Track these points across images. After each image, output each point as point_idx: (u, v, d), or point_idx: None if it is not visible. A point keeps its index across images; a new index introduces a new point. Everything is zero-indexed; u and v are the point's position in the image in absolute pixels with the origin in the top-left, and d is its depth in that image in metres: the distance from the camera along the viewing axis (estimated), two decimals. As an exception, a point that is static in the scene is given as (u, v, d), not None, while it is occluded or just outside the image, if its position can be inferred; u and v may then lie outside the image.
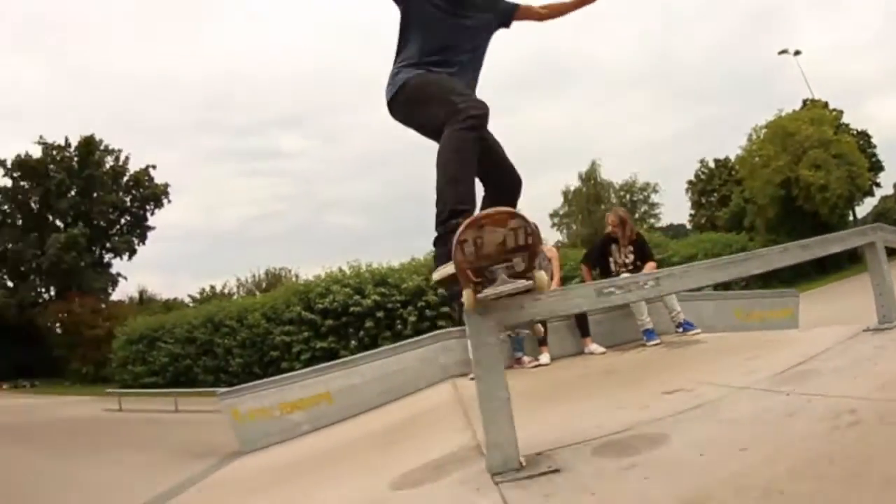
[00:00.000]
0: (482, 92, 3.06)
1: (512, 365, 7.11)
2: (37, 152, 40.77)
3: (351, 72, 76.55)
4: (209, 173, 69.18)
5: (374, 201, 75.83)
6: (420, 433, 4.99)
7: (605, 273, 7.34)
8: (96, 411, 17.01)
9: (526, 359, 7.17)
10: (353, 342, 18.98)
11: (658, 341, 6.64)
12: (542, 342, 7.24)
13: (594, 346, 7.11)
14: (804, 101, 35.60)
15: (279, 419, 7.57)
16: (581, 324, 7.22)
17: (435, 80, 2.84)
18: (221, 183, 70.68)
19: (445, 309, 18.45)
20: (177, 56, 76.32)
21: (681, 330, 6.72)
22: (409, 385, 7.60)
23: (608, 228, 7.69)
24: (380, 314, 19.49)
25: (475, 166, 2.67)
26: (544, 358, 7.12)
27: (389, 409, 7.02)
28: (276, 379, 8.34)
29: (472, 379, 6.65)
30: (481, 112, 2.65)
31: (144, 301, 40.50)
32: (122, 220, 42.86)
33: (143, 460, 8.38)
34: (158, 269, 77.51)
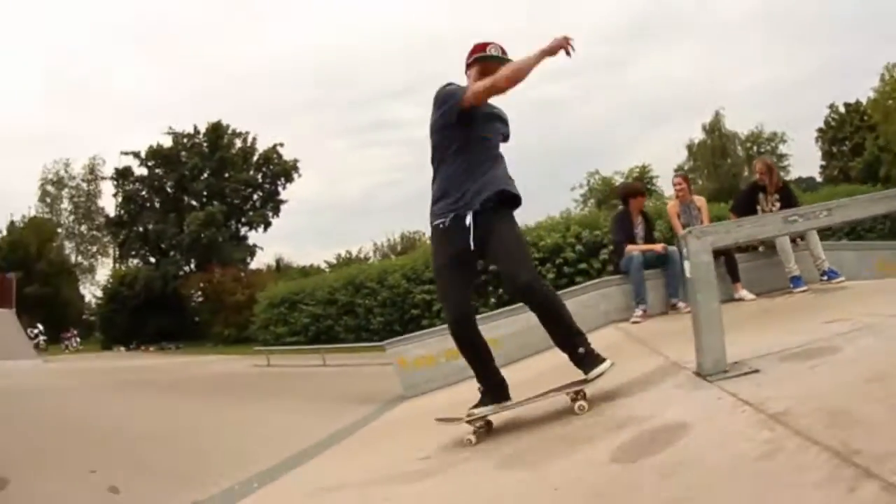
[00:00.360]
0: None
1: (667, 311, 7.42)
2: (167, 142, 44.90)
3: (461, 38, 76.69)
4: (329, 148, 71.27)
5: None
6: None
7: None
8: (246, 367, 17.82)
9: (682, 304, 7.13)
10: (492, 299, 19.29)
11: (805, 288, 6.58)
12: (736, 280, 7.22)
13: (744, 292, 7.05)
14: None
15: (444, 365, 7.87)
16: (731, 269, 7.17)
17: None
18: (341, 156, 72.74)
19: (583, 265, 18.59)
20: (286, 39, 78.72)
21: (825, 278, 6.65)
22: None
23: (755, 177, 7.71)
24: (517, 272, 19.78)
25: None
26: (744, 293, 7.10)
27: (557, 352, 7.16)
28: (442, 327, 8.76)
29: (634, 322, 7.00)
30: None
31: (281, 269, 42.89)
32: (255, 196, 45.61)
33: (310, 407, 8.66)
34: (290, 240, 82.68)
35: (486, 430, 3.68)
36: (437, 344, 7.91)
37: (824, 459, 1.65)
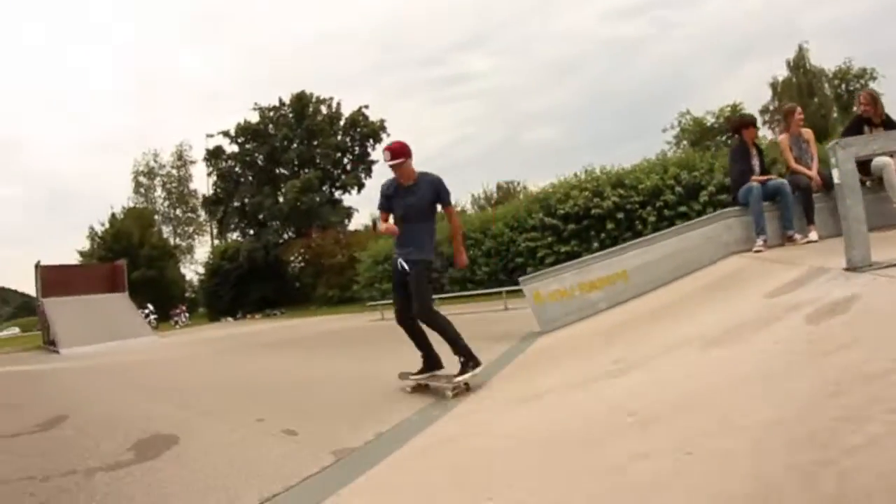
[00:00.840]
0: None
1: (783, 243, 7.65)
2: (254, 118, 46.88)
3: None
4: (402, 108, 71.57)
5: (569, 111, 74.77)
6: (750, 278, 5.61)
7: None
8: (362, 322, 18.59)
9: (798, 236, 7.49)
10: (594, 244, 19.62)
11: None
12: (811, 221, 7.55)
13: (813, 234, 7.40)
14: None
15: (578, 298, 8.41)
16: (808, 209, 7.59)
17: None
18: (417, 113, 73.05)
19: (683, 209, 18.76)
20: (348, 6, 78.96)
21: None
22: (696, 262, 7.94)
23: (860, 109, 7.83)
24: (619, 215, 20.12)
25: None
26: (813, 235, 7.38)
27: (684, 282, 7.49)
28: (576, 262, 9.20)
29: (756, 251, 7.37)
30: None
31: (377, 229, 44.06)
32: (345, 160, 47.17)
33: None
34: (373, 203, 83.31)
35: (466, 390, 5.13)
36: (573, 276, 8.54)
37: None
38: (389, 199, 5.43)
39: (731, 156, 8.88)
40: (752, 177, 7.99)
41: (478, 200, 43.22)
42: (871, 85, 41.94)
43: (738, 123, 8.92)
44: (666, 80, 70.32)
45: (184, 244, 56.90)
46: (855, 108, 7.94)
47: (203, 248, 53.84)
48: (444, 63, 76.67)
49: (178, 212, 57.76)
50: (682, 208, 18.79)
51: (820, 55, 49.84)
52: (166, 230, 56.00)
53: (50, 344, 22.49)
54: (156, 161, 56.73)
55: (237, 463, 3.89)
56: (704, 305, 5.49)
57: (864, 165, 7.01)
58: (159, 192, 57.30)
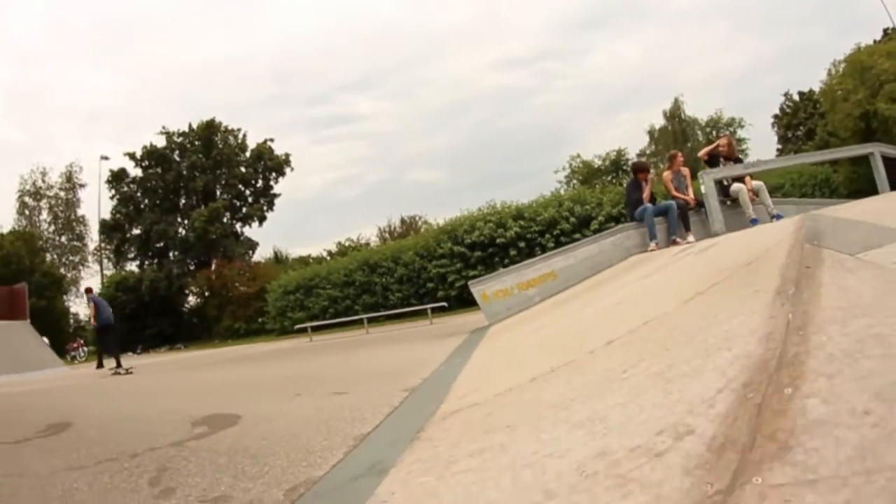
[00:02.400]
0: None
1: (669, 245, 9.69)
2: (160, 141, 46.10)
3: (412, 28, 78.57)
4: (288, 143, 71.93)
5: (453, 155, 77.85)
6: (645, 261, 7.65)
7: (718, 183, 9.94)
8: (294, 344, 18.68)
9: (679, 239, 9.70)
10: (500, 269, 21.98)
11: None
12: (688, 229, 9.91)
13: (691, 237, 9.68)
14: (885, 31, 35.93)
15: (517, 295, 10.37)
16: (684, 220, 9.94)
17: None
18: (302, 150, 73.79)
19: (577, 235, 21.23)
20: (240, 37, 79.44)
21: (774, 220, 8.86)
22: (606, 262, 9.99)
23: (720, 148, 10.49)
24: (521, 244, 22.52)
25: None
26: (690, 238, 9.64)
27: (599, 276, 9.40)
28: (514, 267, 11.29)
29: (650, 251, 9.82)
30: None
31: (281, 260, 44.60)
32: (247, 192, 47.61)
33: (418, 345, 9.64)
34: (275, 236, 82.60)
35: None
36: (512, 278, 10.58)
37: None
38: None
39: (628, 189, 11.41)
40: (646, 202, 10.40)
41: (383, 233, 44.89)
42: (739, 132, 46.89)
43: (636, 167, 11.95)
44: (548, 128, 75.51)
45: (69, 275, 51.54)
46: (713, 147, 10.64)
47: (91, 280, 50.77)
48: (331, 102, 77.98)
49: (64, 238, 52.75)
50: (577, 235, 21.09)
51: (694, 106, 55.59)
52: (49, 258, 52.27)
53: None
54: (44, 181, 52.13)
55: (311, 416, 4.28)
56: (611, 283, 7.51)
57: (726, 192, 9.80)
58: (45, 215, 52.57)
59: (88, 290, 21.41)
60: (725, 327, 2.11)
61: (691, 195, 10.28)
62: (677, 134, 47.37)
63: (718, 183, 9.89)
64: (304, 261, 41.10)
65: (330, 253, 40.94)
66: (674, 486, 1.18)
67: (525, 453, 1.89)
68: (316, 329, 21.22)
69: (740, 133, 46.64)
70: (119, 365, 13.83)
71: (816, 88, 40.35)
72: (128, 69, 72.40)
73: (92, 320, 15.60)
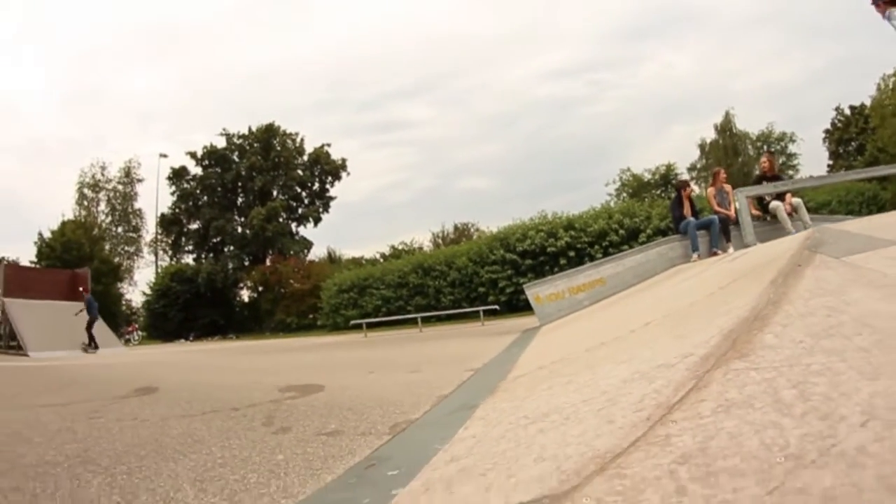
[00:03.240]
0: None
1: (710, 256, 10.46)
2: (220, 142, 48.70)
3: (463, 35, 79.24)
4: (340, 147, 73.49)
5: (502, 164, 78.09)
6: (691, 267, 8.43)
7: (759, 200, 10.83)
8: (351, 338, 19.10)
9: (719, 251, 10.45)
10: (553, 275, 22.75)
11: None
12: (728, 241, 10.66)
13: (731, 248, 10.41)
14: (937, 40, 35.25)
15: (567, 299, 11.27)
16: (725, 232, 10.72)
17: None
18: (351, 156, 75.20)
19: (625, 247, 21.81)
20: (295, 43, 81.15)
21: None
22: (651, 271, 10.88)
23: (761, 170, 11.34)
24: (571, 254, 23.37)
25: None
26: (730, 250, 10.30)
27: (644, 283, 10.14)
28: (566, 273, 12.22)
29: (693, 262, 10.66)
30: None
31: (334, 260, 46.27)
32: (303, 194, 49.32)
33: (473, 341, 10.23)
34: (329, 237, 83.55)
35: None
36: (564, 283, 11.44)
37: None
38: None
39: (672, 205, 12.25)
40: (688, 216, 11.20)
41: (436, 238, 45.94)
42: (790, 147, 46.89)
43: (678, 186, 13.22)
44: (598, 138, 75.57)
45: (124, 263, 54.78)
46: (756, 169, 11.22)
47: (145, 270, 52.85)
48: (382, 108, 79.07)
49: (121, 229, 55.83)
50: (625, 247, 21.52)
51: (746, 119, 55.19)
52: (107, 247, 54.54)
53: (9, 347, 21.61)
54: (103, 174, 55.24)
55: (391, 386, 4.77)
56: (654, 287, 8.27)
57: (766, 209, 10.58)
58: (103, 206, 55.59)
59: (85, 291, 23.73)
60: (730, 305, 2.95)
61: (732, 211, 10.94)
62: (728, 148, 47.21)
63: (759, 200, 10.57)
64: (357, 261, 42.33)
65: (383, 255, 42.10)
66: (678, 377, 2.02)
67: (583, 382, 2.77)
68: (370, 326, 22.19)
69: (791, 148, 46.69)
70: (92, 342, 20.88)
71: (868, 102, 39.75)
72: (182, 72, 75.21)
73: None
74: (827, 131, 47.01)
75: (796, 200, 10.63)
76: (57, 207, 70.88)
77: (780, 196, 10.58)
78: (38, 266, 38.12)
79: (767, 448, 1.17)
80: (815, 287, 2.67)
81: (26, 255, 43.91)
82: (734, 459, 1.17)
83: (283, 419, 3.89)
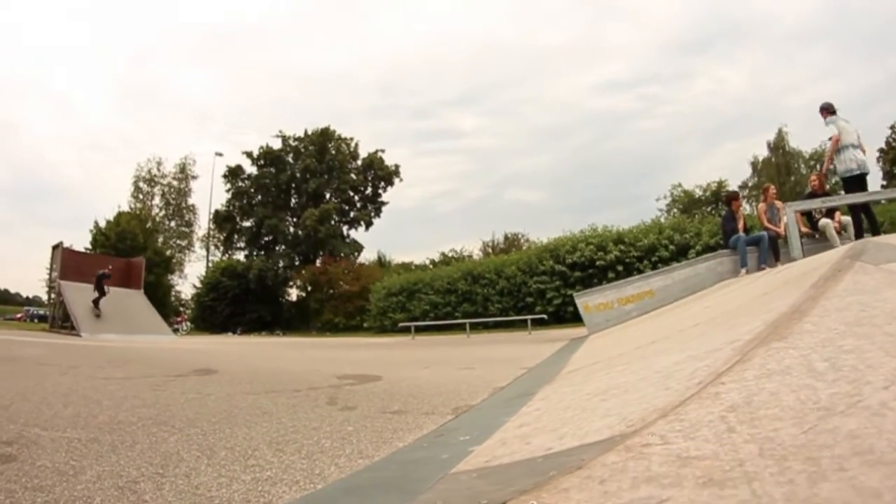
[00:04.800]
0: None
1: (758, 271, 10.40)
2: (276, 144, 49.80)
3: (520, 48, 79.25)
4: (390, 156, 74.17)
5: (552, 176, 77.81)
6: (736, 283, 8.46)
7: (809, 218, 10.78)
8: (399, 340, 19.74)
9: (767, 268, 10.29)
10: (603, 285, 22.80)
11: None
12: (777, 259, 10.57)
13: (779, 266, 10.22)
14: None
15: (616, 309, 11.41)
16: (774, 251, 10.66)
17: None
18: (404, 162, 75.82)
19: (674, 263, 21.78)
20: (349, 49, 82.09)
21: None
22: (700, 285, 10.89)
23: (812, 184, 11.31)
24: (620, 268, 23.17)
25: None
26: (778, 266, 10.02)
27: (693, 297, 9.96)
28: (615, 283, 12.45)
29: (741, 276, 10.65)
30: None
31: (384, 264, 46.67)
32: (356, 198, 50.16)
33: (522, 347, 10.57)
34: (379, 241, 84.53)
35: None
36: (613, 293, 11.63)
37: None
38: None
39: (723, 218, 12.26)
40: (740, 231, 11.27)
41: (486, 247, 46.22)
42: (847, 163, 45.24)
43: (728, 197, 12.83)
44: (649, 153, 74.81)
45: (175, 256, 56.16)
46: (808, 188, 11.32)
47: (196, 263, 54.32)
48: (434, 116, 79.42)
49: (174, 223, 57.32)
50: (674, 263, 21.41)
51: (798, 137, 54.10)
52: (160, 239, 54.85)
53: (62, 327, 22.45)
54: (158, 170, 56.91)
55: (447, 379, 5.06)
56: (702, 299, 8.45)
57: (815, 226, 10.58)
58: (157, 200, 57.15)
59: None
60: (773, 305, 3.25)
61: (782, 227, 11.00)
62: (780, 166, 46.76)
63: (808, 217, 10.66)
64: (406, 266, 42.75)
65: (432, 261, 42.39)
66: (725, 355, 2.35)
67: (638, 367, 3.11)
68: (417, 330, 22.56)
69: (848, 164, 44.84)
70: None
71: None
72: (238, 74, 77.19)
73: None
74: (882, 150, 45.20)
75: (846, 219, 10.66)
76: (111, 199, 73.10)
77: (830, 214, 10.59)
78: (93, 252, 38.96)
79: (802, 402, 1.38)
80: (853, 288, 2.96)
81: (80, 243, 44.25)
82: (774, 409, 1.39)
83: (345, 400, 4.19)
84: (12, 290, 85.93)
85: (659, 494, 1.10)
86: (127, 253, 37.01)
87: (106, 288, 23.07)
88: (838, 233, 10.36)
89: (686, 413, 1.61)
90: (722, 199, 34.90)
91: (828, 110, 10.32)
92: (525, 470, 1.56)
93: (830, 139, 10.11)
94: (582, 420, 2.15)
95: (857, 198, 8.78)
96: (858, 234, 9.88)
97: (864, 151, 10.20)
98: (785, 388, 1.54)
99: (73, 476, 2.10)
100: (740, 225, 11.43)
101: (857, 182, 10.02)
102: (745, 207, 33.56)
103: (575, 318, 16.41)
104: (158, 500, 1.88)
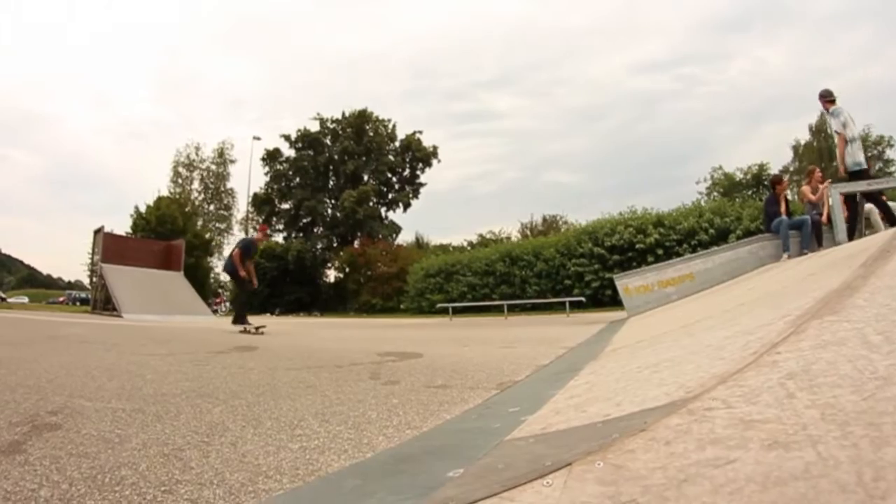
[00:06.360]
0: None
1: (801, 254, 10.24)
2: (314, 126, 50.17)
3: (553, 28, 77.92)
4: (426, 137, 73.93)
5: (588, 159, 76.92)
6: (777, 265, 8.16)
7: (853, 200, 10.32)
8: (437, 321, 19.98)
9: (809, 252, 10.01)
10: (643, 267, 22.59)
11: None
12: (820, 244, 10.30)
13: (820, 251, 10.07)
14: None
15: (656, 292, 11.33)
16: (818, 236, 10.46)
17: None
18: (440, 144, 75.61)
19: (714, 247, 21.61)
20: (383, 32, 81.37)
21: None
22: (741, 269, 10.70)
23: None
24: (659, 251, 22.96)
25: None
26: (820, 252, 9.87)
27: (734, 281, 9.93)
28: (655, 266, 12.29)
29: (783, 261, 10.43)
30: None
31: (421, 246, 47.07)
32: (394, 179, 50.34)
33: (567, 328, 10.51)
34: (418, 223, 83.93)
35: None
36: (653, 276, 11.57)
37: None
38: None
39: (766, 201, 12.08)
40: (783, 214, 11.09)
41: (525, 228, 46.13)
42: (889, 152, 44.11)
43: (773, 180, 12.60)
44: (688, 135, 73.32)
45: (214, 239, 55.80)
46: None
47: (230, 246, 54.77)
48: (470, 98, 78.76)
49: (213, 207, 57.67)
50: (714, 247, 21.41)
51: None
52: (199, 222, 54.79)
53: (104, 309, 22.91)
54: (197, 154, 57.16)
55: (488, 357, 5.16)
56: (745, 282, 8.41)
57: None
58: (196, 184, 57.43)
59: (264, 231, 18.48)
60: (821, 283, 3.29)
61: (826, 212, 10.84)
62: (822, 150, 45.20)
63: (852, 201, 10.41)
64: (444, 248, 42.80)
65: (470, 243, 42.35)
66: (778, 328, 2.42)
67: (686, 343, 3.18)
68: (455, 311, 22.70)
69: (889, 154, 43.96)
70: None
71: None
72: (272, 59, 77.53)
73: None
74: (929, 133, 42.87)
75: (893, 204, 10.47)
76: (149, 184, 74.27)
77: (875, 202, 10.23)
78: (133, 236, 39.50)
79: (860, 371, 1.41)
80: (902, 268, 2.99)
81: (121, 227, 45.39)
82: (832, 377, 1.42)
83: (388, 375, 4.29)
84: (55, 276, 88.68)
85: (726, 455, 1.15)
86: (167, 236, 37.25)
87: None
88: (883, 219, 10.16)
89: (745, 380, 1.65)
90: (765, 182, 34.48)
91: (827, 98, 9.70)
92: (586, 434, 1.59)
93: (837, 134, 9.45)
94: (637, 389, 2.20)
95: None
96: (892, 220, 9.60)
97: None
98: (841, 357, 1.57)
99: (119, 444, 2.16)
100: (783, 209, 11.21)
101: (861, 176, 9.56)
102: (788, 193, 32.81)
103: (613, 302, 16.37)
104: (204, 466, 1.91)
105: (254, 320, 11.14)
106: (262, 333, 9.51)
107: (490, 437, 1.88)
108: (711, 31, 74.94)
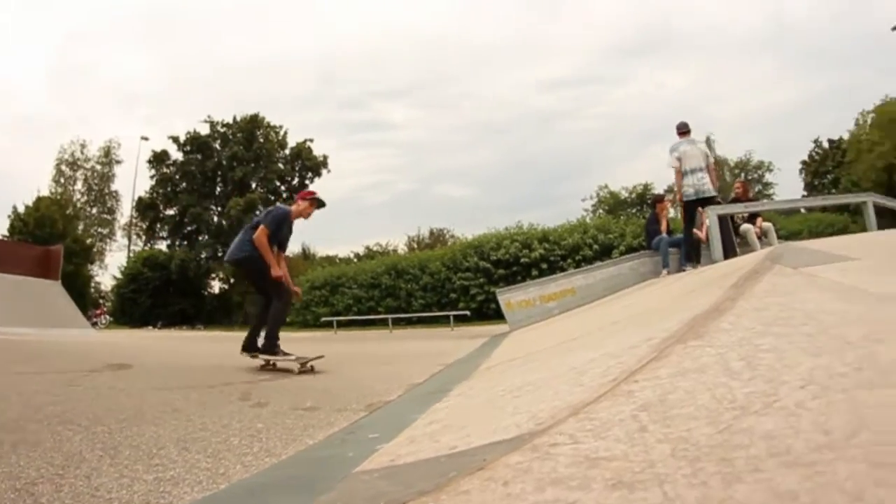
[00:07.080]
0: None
1: (679, 270, 10.65)
2: (203, 129, 47.71)
3: (458, 43, 79.48)
4: (319, 146, 73.26)
5: (482, 173, 78.25)
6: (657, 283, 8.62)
7: (732, 221, 10.68)
8: (322, 335, 20.22)
9: (688, 268, 10.31)
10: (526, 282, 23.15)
11: None
12: (698, 261, 10.47)
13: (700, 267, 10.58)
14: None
15: (538, 307, 11.50)
16: (696, 252, 10.70)
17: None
18: (331, 154, 74.91)
19: (598, 262, 22.39)
20: (285, 36, 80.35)
21: None
22: (622, 285, 10.99)
23: (734, 194, 11.80)
24: (544, 266, 23.51)
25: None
26: (698, 268, 10.14)
27: (614, 296, 10.18)
28: (538, 281, 12.55)
29: (663, 276, 10.83)
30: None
31: (308, 257, 45.97)
32: (282, 188, 49.00)
33: (450, 342, 10.80)
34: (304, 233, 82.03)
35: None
36: (536, 290, 11.66)
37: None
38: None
39: (648, 220, 12.50)
40: (663, 232, 11.49)
41: (411, 241, 46.14)
42: (767, 176, 47.70)
43: (654, 200, 13.21)
44: (580, 154, 76.29)
45: (96, 245, 52.71)
46: (731, 194, 11.55)
47: (117, 254, 51.22)
48: (366, 107, 78.26)
49: (95, 210, 54.39)
50: (598, 262, 22.18)
51: (726, 145, 56.15)
52: (81, 226, 51.45)
53: None
54: (82, 153, 53.65)
55: (364, 376, 5.64)
56: (623, 298, 8.54)
57: (737, 231, 10.63)
58: (79, 185, 53.83)
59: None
60: (693, 304, 3.22)
61: (704, 231, 11.25)
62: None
63: (731, 222, 10.86)
64: (330, 260, 42.47)
65: (357, 255, 42.15)
66: (640, 353, 2.25)
67: (554, 364, 3.03)
68: (340, 324, 22.57)
69: (768, 177, 47.26)
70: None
71: (846, 136, 40.58)
72: (168, 57, 74.33)
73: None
74: (804, 163, 47.48)
75: (767, 225, 10.95)
76: (31, 182, 69.13)
77: (751, 220, 10.83)
78: (8, 239, 35.95)
79: (718, 401, 1.36)
80: (771, 289, 2.93)
81: None
82: (689, 408, 1.37)
83: (259, 396, 4.20)
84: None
85: (565, 497, 1.08)
86: (45, 240, 33.75)
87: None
88: (759, 238, 10.64)
89: (597, 411, 1.57)
90: (648, 201, 36.22)
91: (680, 130, 10.08)
92: (427, 470, 1.56)
93: (673, 168, 9.94)
94: (490, 418, 2.10)
95: (780, 204, 9.10)
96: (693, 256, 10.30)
97: (712, 172, 10.06)
98: (700, 386, 1.52)
99: (-32, 479, 2.03)
100: (664, 227, 11.56)
101: (696, 207, 9.97)
102: (670, 211, 34.69)
103: (497, 315, 16.43)
104: (55, 502, 1.88)
105: (138, 332, 10.17)
106: (314, 370, 6.01)
107: (342, 468, 1.87)
108: (611, 54, 78.25)
